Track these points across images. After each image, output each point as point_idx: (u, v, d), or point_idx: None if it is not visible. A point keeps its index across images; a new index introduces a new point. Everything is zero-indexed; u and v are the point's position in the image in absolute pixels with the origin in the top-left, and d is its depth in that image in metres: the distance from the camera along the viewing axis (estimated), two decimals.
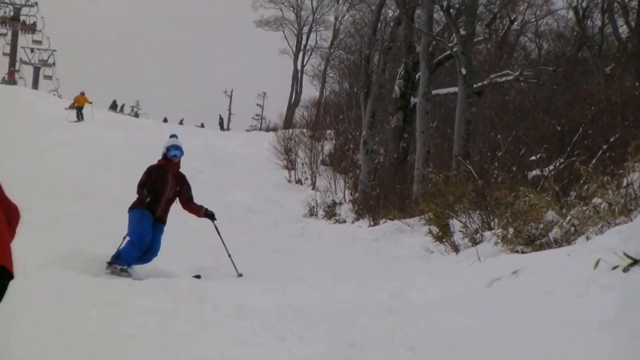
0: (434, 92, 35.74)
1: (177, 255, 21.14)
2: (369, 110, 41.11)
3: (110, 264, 18.70)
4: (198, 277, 18.43)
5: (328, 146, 50.18)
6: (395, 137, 38.84)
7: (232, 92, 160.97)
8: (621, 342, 11.99)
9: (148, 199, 18.94)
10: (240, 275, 18.75)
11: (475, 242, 23.58)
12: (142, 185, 18.88)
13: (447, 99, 37.01)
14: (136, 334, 14.56)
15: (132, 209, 19.18)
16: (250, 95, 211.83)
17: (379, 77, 43.94)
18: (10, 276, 8.26)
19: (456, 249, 24.53)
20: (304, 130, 56.03)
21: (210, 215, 19.05)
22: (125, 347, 13.68)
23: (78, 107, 79.07)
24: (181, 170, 21.85)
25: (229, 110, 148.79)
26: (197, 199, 22.58)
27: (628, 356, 11.79)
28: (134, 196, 21.21)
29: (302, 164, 52.34)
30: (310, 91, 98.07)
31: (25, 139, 58.31)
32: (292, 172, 52.30)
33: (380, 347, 13.94)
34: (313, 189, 46.63)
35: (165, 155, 18.65)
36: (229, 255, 19.22)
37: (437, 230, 25.12)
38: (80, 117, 77.23)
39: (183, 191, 18.61)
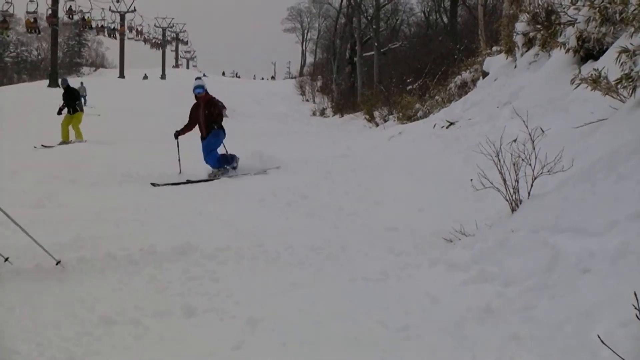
0: (364, 54, 35.36)
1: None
2: (335, 66, 41.60)
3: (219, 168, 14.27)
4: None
5: (319, 83, 46.10)
6: (347, 76, 39.37)
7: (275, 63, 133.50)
8: (442, 151, 13.62)
9: (179, 131, 14.78)
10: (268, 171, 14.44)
11: (385, 121, 24.52)
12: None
13: (370, 57, 36.73)
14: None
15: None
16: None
17: (339, 49, 43.10)
18: None
19: (377, 124, 27.38)
20: (308, 76, 53.97)
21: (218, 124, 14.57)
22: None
23: None
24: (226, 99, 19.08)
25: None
26: (258, 111, 19.73)
27: (446, 154, 13.28)
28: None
29: (308, 92, 44.90)
30: (310, 58, 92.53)
31: None
32: (303, 96, 46.94)
33: (342, 171, 14.48)
34: (314, 102, 41.88)
35: (194, 95, 14.55)
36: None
37: (368, 117, 25.10)
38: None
39: (213, 112, 14.18)
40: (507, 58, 16.71)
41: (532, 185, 6.84)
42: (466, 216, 7.98)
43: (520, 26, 15.08)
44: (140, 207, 10.77)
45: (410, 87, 30.83)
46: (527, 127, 7.06)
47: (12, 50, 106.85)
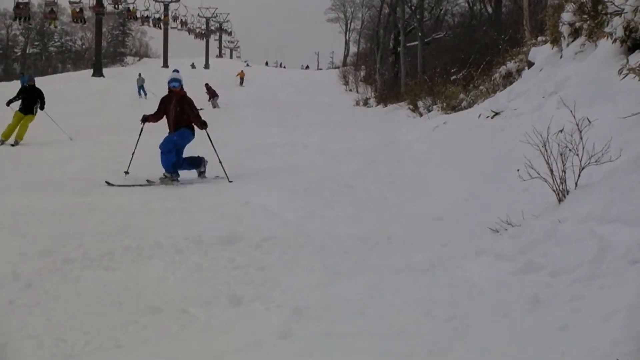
0: (408, 44, 35.28)
1: None
2: (378, 56, 41.35)
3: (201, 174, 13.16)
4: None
5: (363, 73, 46.39)
6: (391, 66, 39.68)
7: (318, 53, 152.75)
8: (487, 141, 13.54)
9: (147, 115, 13.35)
10: (231, 182, 12.34)
11: (429, 111, 26.46)
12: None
13: (414, 47, 36.58)
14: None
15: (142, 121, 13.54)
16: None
17: (383, 39, 43.12)
18: None
19: (420, 114, 27.23)
20: (352, 66, 54.27)
21: (204, 126, 12.97)
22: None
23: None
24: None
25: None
26: (301, 101, 19.56)
27: (491, 144, 13.16)
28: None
29: (352, 82, 45.36)
30: (353, 48, 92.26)
31: None
32: (346, 86, 47.22)
33: (386, 161, 14.78)
34: (357, 92, 41.75)
35: (168, 87, 13.19)
36: (220, 162, 12.80)
37: (411, 107, 25.42)
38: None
39: (186, 110, 12.93)
40: (552, 48, 16.47)
41: (579, 176, 6.67)
42: (512, 206, 7.76)
43: (566, 16, 14.86)
44: (185, 197, 10.94)
45: (454, 77, 30.70)
46: (574, 117, 6.96)
47: (56, 40, 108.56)
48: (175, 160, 12.84)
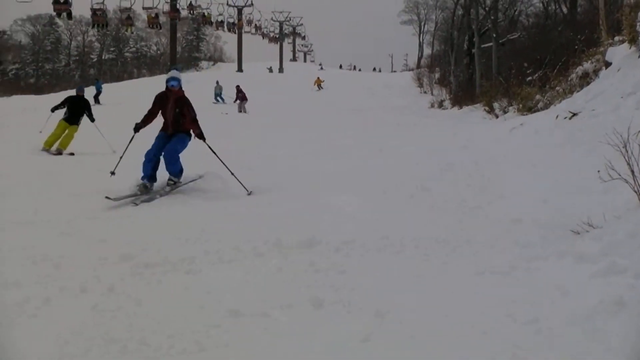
0: (482, 46, 35.18)
1: None
2: (453, 57, 41.21)
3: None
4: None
5: (437, 75, 46.15)
6: (465, 68, 39.32)
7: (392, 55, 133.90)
8: (565, 143, 13.22)
9: (140, 124, 12.11)
10: (250, 193, 11.65)
11: (504, 112, 26.25)
12: (148, 112, 12.26)
13: (488, 48, 36.30)
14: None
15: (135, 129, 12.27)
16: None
17: (457, 41, 42.96)
18: None
19: (496, 116, 27.32)
20: (426, 68, 54.07)
21: (201, 138, 12.03)
22: None
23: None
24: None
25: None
26: (374, 104, 19.55)
27: (570, 145, 12.85)
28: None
29: (426, 84, 45.21)
30: (427, 49, 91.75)
31: None
32: (421, 88, 47.00)
33: (463, 164, 14.40)
34: (432, 94, 41.65)
35: (166, 86, 12.27)
36: (232, 174, 12.01)
37: (487, 109, 25.70)
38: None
39: (184, 112, 11.99)
40: (630, 48, 16.11)
41: None
42: (593, 208, 7.75)
43: None
44: (264, 201, 11.00)
45: (529, 78, 30.03)
46: None
47: (131, 46, 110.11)
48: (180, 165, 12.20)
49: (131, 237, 8.22)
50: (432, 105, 44.90)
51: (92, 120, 19.38)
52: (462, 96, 41.70)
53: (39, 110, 24.02)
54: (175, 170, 12.09)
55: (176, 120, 12.20)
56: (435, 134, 21.93)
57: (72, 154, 17.82)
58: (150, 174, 11.83)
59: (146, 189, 11.60)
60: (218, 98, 44.64)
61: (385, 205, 10.38)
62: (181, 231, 8.57)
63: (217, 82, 46.77)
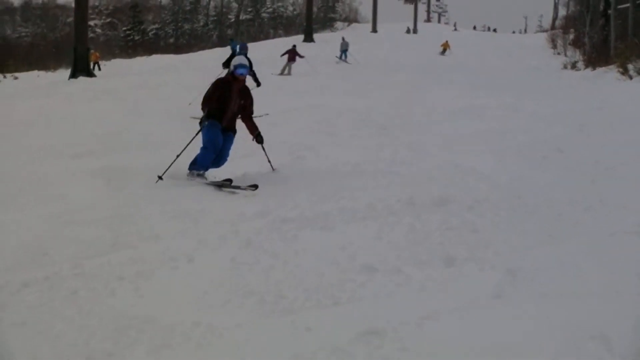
0: (618, 7, 34.12)
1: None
2: (588, 19, 39.83)
3: (189, 170, 9.85)
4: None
5: (571, 36, 45.03)
6: (600, 29, 37.40)
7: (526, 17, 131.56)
8: None
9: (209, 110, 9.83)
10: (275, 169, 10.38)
11: (639, 74, 22.19)
12: (207, 99, 9.90)
13: (625, 9, 35.06)
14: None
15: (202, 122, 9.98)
16: None
17: (593, 1, 41.90)
18: None
19: (630, 77, 25.81)
20: (560, 30, 52.75)
21: (260, 141, 10.27)
22: None
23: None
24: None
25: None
26: (510, 65, 18.92)
27: None
28: None
29: (560, 45, 51.37)
30: (562, 10, 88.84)
31: None
32: (554, 49, 53.30)
33: (598, 124, 13.70)
34: (565, 56, 47.00)
35: (232, 73, 10.13)
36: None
37: (621, 70, 26.32)
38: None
39: (247, 105, 10.24)
40: None
41: None
42: None
43: None
44: (396, 159, 10.97)
45: None
46: None
47: (268, 6, 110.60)
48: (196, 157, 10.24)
49: (268, 193, 8.40)
50: (565, 67, 43.54)
51: (258, 84, 20.12)
52: (596, 57, 40.51)
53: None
54: (207, 163, 10.16)
55: (237, 114, 10.54)
56: (567, 95, 21.09)
57: None
58: (209, 166, 10.29)
59: (230, 181, 9.74)
60: (343, 55, 43.93)
61: (519, 166, 10.22)
62: (316, 187, 8.70)
63: (343, 39, 46.59)
